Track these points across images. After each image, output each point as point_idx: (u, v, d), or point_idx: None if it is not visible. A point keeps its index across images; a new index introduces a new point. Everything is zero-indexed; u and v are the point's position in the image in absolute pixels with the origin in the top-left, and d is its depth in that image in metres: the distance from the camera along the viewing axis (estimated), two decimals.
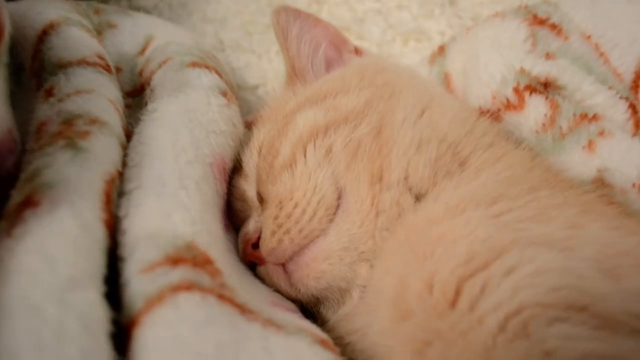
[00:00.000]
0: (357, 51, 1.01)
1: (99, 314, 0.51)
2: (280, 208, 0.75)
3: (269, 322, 0.61)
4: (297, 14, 0.98)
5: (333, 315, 0.78)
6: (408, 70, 1.07)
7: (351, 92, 0.84)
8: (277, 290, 0.78)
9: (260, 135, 0.88)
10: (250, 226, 0.81)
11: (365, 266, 0.75)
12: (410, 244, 0.68)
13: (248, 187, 0.86)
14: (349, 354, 0.70)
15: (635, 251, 0.64)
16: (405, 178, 0.77)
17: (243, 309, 0.60)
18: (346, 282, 0.75)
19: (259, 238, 0.77)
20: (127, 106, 0.89)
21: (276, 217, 0.75)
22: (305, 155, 0.78)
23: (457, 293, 0.60)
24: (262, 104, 1.08)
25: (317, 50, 0.96)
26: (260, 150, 0.84)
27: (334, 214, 0.75)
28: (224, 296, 0.59)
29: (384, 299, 0.67)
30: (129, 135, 0.78)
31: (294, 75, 0.96)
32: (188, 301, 0.55)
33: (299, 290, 0.76)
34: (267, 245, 0.75)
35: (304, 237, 0.74)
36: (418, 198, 0.77)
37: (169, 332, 0.53)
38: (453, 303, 0.59)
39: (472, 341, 0.56)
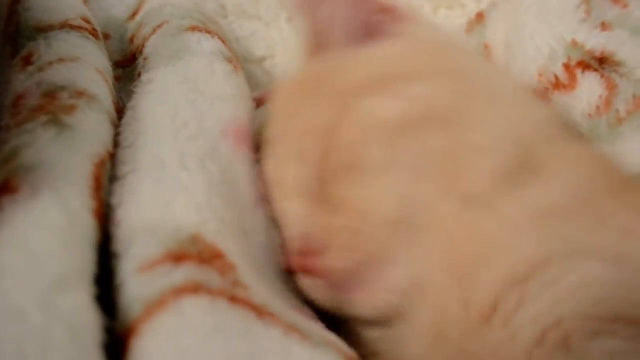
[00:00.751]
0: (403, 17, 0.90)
1: (90, 321, 0.49)
2: (362, 220, 0.71)
3: (293, 329, 0.59)
4: None
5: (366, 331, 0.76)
6: (470, 51, 1.04)
7: (426, 80, 0.77)
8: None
9: (321, 114, 0.79)
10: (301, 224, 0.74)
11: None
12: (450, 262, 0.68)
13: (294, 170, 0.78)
14: None
15: None
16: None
17: (261, 312, 0.58)
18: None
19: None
20: (117, 78, 0.88)
21: (355, 232, 0.71)
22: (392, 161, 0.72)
23: (493, 309, 0.61)
24: (270, 78, 1.06)
25: (355, 12, 0.87)
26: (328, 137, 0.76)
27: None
28: (237, 297, 0.57)
29: (418, 326, 0.68)
30: (119, 111, 0.76)
31: (317, 43, 0.88)
32: (194, 307, 0.53)
33: (344, 307, 0.73)
34: (334, 263, 0.71)
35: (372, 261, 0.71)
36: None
37: (172, 343, 0.51)
38: (487, 320, 0.61)
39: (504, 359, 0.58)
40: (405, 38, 0.87)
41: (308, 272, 0.73)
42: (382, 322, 0.74)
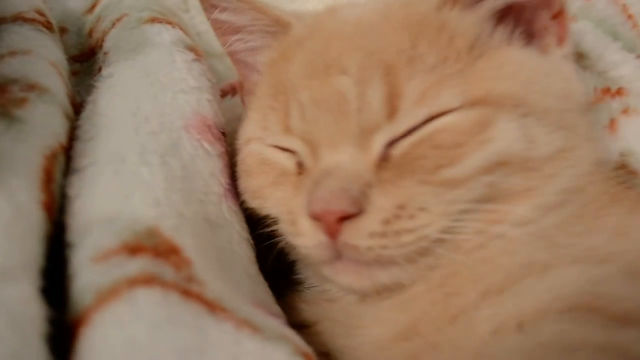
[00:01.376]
0: (561, 23, 0.82)
1: (33, 312, 0.49)
2: (397, 216, 0.69)
3: (245, 323, 0.59)
4: None
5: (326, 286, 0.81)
6: None
7: (547, 129, 0.73)
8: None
9: (439, 78, 0.73)
10: (355, 186, 0.70)
11: None
12: (444, 285, 0.71)
13: (377, 106, 0.73)
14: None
15: None
16: None
17: (213, 307, 0.59)
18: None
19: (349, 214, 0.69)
20: (74, 73, 0.88)
21: (387, 221, 0.69)
22: (472, 187, 0.70)
23: (463, 312, 0.67)
24: (232, 72, 1.05)
25: None
26: (437, 116, 0.72)
27: (423, 254, 0.72)
28: (190, 292, 0.58)
29: (393, 322, 0.73)
30: (76, 105, 0.77)
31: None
32: (147, 298, 0.54)
33: (340, 275, 0.74)
34: (356, 240, 0.70)
35: (388, 260, 0.71)
36: None
37: (122, 332, 0.51)
38: (455, 319, 0.67)
39: (464, 346, 0.64)
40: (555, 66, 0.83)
41: (327, 233, 0.71)
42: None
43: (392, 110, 0.71)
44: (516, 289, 0.65)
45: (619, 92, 0.90)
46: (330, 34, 0.80)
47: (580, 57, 0.93)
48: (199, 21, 1.14)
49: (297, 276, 0.88)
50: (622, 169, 0.86)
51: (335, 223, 0.68)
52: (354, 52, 0.74)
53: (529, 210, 0.71)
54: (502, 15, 0.77)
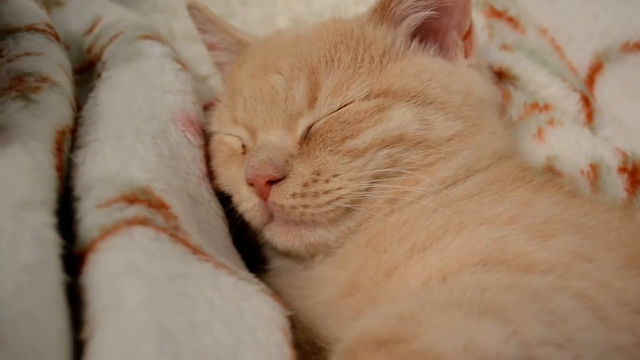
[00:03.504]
0: (468, 40, 1.00)
1: (50, 235, 0.60)
2: (315, 180, 0.85)
3: (222, 266, 0.71)
4: None
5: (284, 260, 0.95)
6: None
7: (445, 116, 0.91)
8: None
9: (349, 76, 0.91)
10: (280, 157, 0.86)
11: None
12: (371, 243, 0.85)
13: (300, 98, 0.90)
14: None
15: (571, 219, 0.81)
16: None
17: (196, 250, 0.71)
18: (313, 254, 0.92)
19: (275, 179, 0.85)
20: (76, 82, 0.99)
21: (306, 184, 0.85)
22: (373, 158, 0.87)
23: (396, 269, 0.79)
24: (212, 94, 1.21)
25: (414, 6, 0.95)
26: (346, 105, 0.89)
27: (342, 217, 0.88)
28: (177, 237, 0.70)
29: (336, 280, 0.85)
30: (79, 107, 0.88)
31: (383, 11, 0.95)
32: (142, 234, 0.66)
33: (275, 236, 0.91)
34: (281, 200, 0.86)
35: (311, 220, 0.87)
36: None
37: (122, 256, 0.63)
38: (390, 276, 0.79)
39: (398, 297, 0.73)
40: (457, 71, 1.00)
41: (258, 194, 0.88)
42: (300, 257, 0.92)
43: (312, 100, 0.89)
44: (438, 246, 0.78)
45: (546, 107, 1.06)
46: (272, 46, 0.99)
47: (514, 79, 1.10)
48: (184, 49, 1.27)
49: (265, 265, 1.01)
50: (549, 170, 1.02)
51: (264, 186, 0.85)
52: (287, 57, 0.93)
53: (433, 181, 0.86)
54: (423, 34, 0.95)
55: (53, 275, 0.58)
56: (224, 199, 0.96)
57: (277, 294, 0.77)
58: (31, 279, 0.56)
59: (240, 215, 0.93)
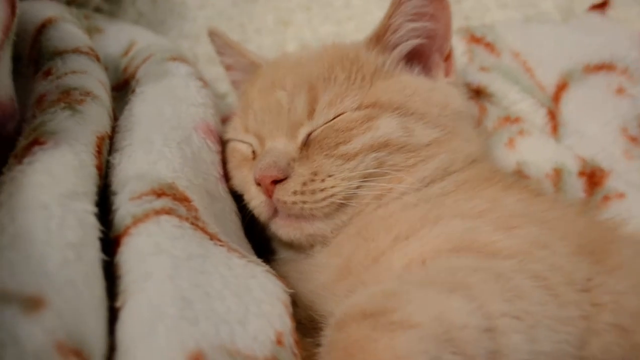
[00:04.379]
0: (448, 62, 1.05)
1: (92, 219, 0.65)
2: (312, 180, 0.90)
3: (235, 250, 0.76)
4: None
5: (289, 251, 0.99)
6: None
7: (425, 125, 0.95)
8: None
9: (343, 91, 0.95)
10: (283, 161, 0.91)
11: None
12: (361, 233, 0.89)
13: (301, 110, 0.95)
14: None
15: (532, 213, 0.85)
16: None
17: (212, 237, 0.75)
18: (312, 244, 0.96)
19: (279, 179, 0.90)
20: (113, 98, 1.01)
21: (304, 184, 0.90)
22: (362, 160, 0.91)
23: (382, 254, 0.83)
24: (229, 109, 1.25)
25: (407, 35, 1.00)
26: (340, 115, 0.94)
27: (336, 211, 0.93)
28: (197, 225, 0.75)
29: (332, 266, 0.89)
30: (116, 118, 0.92)
31: (379, 38, 1.00)
32: (167, 222, 0.71)
33: (280, 228, 0.95)
34: (284, 197, 0.90)
35: (309, 214, 0.92)
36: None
37: (150, 239, 0.68)
38: (377, 261, 0.82)
39: (384, 279, 0.77)
40: (437, 87, 1.05)
41: (264, 191, 0.93)
42: (301, 247, 0.96)
43: (311, 112, 0.94)
44: (418, 236, 0.82)
45: (517, 120, 1.10)
46: (279, 66, 1.05)
47: (490, 96, 1.14)
48: (206, 71, 1.31)
49: (273, 256, 1.05)
50: (518, 174, 1.06)
51: (270, 185, 0.90)
52: (291, 75, 0.98)
53: (414, 180, 0.91)
54: (410, 56, 1.00)
55: (93, 253, 0.63)
56: (237, 198, 1.01)
57: (283, 278, 0.80)
58: (75, 255, 0.60)
59: (251, 211, 0.98)
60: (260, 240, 1.03)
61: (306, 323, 0.83)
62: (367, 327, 0.61)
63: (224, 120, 1.14)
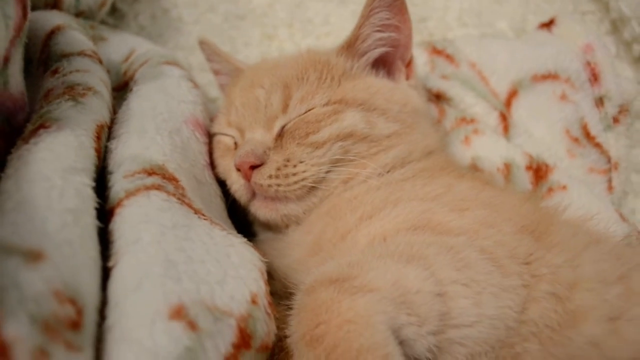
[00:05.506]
0: (409, 67, 1.08)
1: (88, 191, 0.67)
2: (285, 165, 0.93)
3: (217, 224, 0.78)
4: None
5: (268, 232, 1.01)
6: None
7: (386, 119, 0.99)
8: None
9: (313, 90, 0.99)
10: (259, 149, 0.94)
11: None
12: (330, 213, 0.92)
13: (276, 105, 0.98)
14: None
15: (482, 199, 0.88)
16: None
17: (197, 211, 0.77)
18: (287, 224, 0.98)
19: (256, 165, 0.93)
20: (114, 97, 1.03)
21: (278, 168, 0.92)
22: (330, 148, 0.94)
23: (348, 233, 0.85)
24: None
25: (374, 44, 1.04)
26: (310, 110, 0.97)
27: (308, 194, 0.95)
28: (183, 200, 0.77)
29: (305, 243, 0.91)
30: (115, 112, 0.94)
31: (350, 47, 1.04)
32: (156, 196, 0.73)
33: (257, 209, 0.98)
34: (260, 180, 0.93)
35: (284, 196, 0.95)
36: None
37: (140, 209, 0.70)
38: (344, 239, 0.84)
39: (350, 253, 0.80)
40: (398, 88, 1.08)
41: (243, 175, 0.95)
42: (277, 227, 0.98)
43: (285, 107, 0.97)
44: (380, 215, 0.84)
45: (472, 120, 1.14)
46: (259, 68, 1.09)
47: (449, 100, 1.18)
48: (200, 77, 1.34)
49: (254, 237, 1.07)
50: (473, 168, 1.10)
51: (248, 170, 0.93)
52: (268, 76, 1.01)
53: (376, 166, 0.93)
54: (376, 62, 1.04)
55: (88, 219, 0.65)
56: (223, 185, 1.04)
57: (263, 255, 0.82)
58: (73, 219, 0.62)
59: (233, 195, 1.00)
60: (243, 225, 1.05)
61: (282, 293, 0.84)
62: (332, 291, 0.64)
63: (213, 119, 1.17)
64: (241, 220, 1.03)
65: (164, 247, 0.66)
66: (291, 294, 0.74)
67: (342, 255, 0.77)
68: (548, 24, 1.28)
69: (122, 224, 0.68)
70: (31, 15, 1.02)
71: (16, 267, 0.53)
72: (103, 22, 1.32)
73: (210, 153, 1.04)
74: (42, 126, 0.74)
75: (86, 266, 0.60)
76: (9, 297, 0.51)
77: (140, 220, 0.68)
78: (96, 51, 1.03)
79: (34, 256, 0.55)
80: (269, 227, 1.00)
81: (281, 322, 0.72)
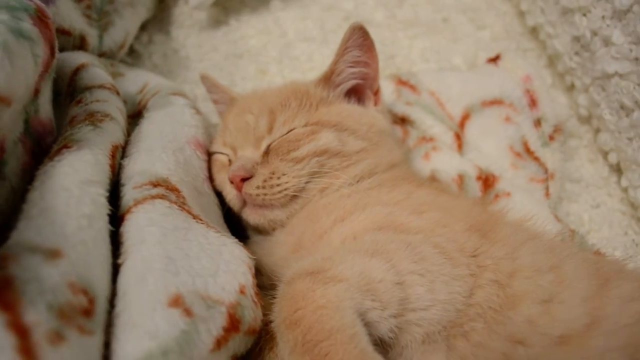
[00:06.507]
0: (377, 96, 1.09)
1: (102, 200, 0.68)
2: (270, 177, 0.93)
3: (213, 228, 0.79)
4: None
5: (258, 235, 1.01)
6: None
7: (356, 138, 0.99)
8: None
9: (294, 114, 0.99)
10: (249, 164, 0.94)
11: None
12: (309, 217, 0.92)
13: (263, 127, 0.98)
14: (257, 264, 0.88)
15: (438, 203, 0.88)
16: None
17: (195, 217, 0.78)
18: (274, 228, 0.98)
19: (246, 178, 0.94)
20: (129, 124, 1.04)
21: (265, 180, 0.93)
22: (308, 163, 0.95)
23: (325, 232, 0.86)
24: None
25: (348, 77, 1.05)
26: (291, 130, 0.97)
27: (290, 202, 0.96)
28: (183, 207, 0.77)
29: (288, 242, 0.91)
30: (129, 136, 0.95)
31: (327, 79, 1.05)
32: (160, 204, 0.74)
33: (248, 215, 0.97)
34: (249, 190, 0.93)
35: (270, 204, 0.95)
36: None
37: (146, 215, 0.70)
38: (321, 238, 0.85)
39: (325, 250, 0.80)
40: (366, 113, 1.08)
41: (235, 187, 0.95)
42: (265, 230, 0.98)
43: (270, 129, 0.98)
44: (350, 218, 0.85)
45: (431, 139, 1.15)
46: (249, 97, 1.09)
47: (412, 123, 1.18)
48: (203, 106, 1.33)
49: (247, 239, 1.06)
50: (432, 179, 1.11)
51: (239, 182, 0.93)
52: (257, 103, 1.02)
53: (347, 177, 0.93)
54: (348, 91, 1.05)
55: (101, 223, 0.65)
56: (219, 195, 1.04)
57: (253, 253, 0.83)
58: (87, 223, 0.62)
59: (228, 204, 1.01)
60: (238, 230, 1.05)
61: (268, 286, 0.84)
62: (308, 281, 0.65)
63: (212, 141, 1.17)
64: (236, 225, 1.03)
65: (165, 246, 0.67)
66: (277, 286, 0.75)
67: (318, 252, 0.78)
68: (495, 59, 1.29)
69: (131, 227, 0.69)
70: (60, 55, 1.04)
71: (38, 264, 0.54)
72: (122, 61, 1.32)
73: (209, 169, 1.04)
74: (65, 146, 0.75)
75: (98, 263, 0.61)
76: (30, 288, 0.51)
77: (146, 224, 0.69)
78: (114, 84, 1.03)
79: (52, 254, 0.56)
80: (259, 230, 1.00)
81: (267, 309, 0.72)
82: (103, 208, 0.68)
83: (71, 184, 0.66)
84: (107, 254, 0.63)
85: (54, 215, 0.61)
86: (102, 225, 0.65)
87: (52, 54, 0.84)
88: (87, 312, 0.55)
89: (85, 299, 0.56)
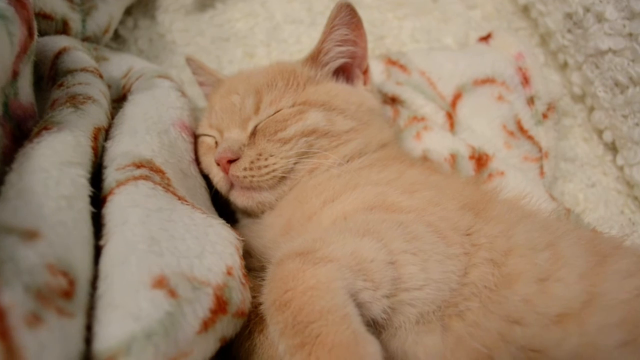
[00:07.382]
0: (366, 75, 1.07)
1: (83, 181, 0.66)
2: (258, 159, 0.92)
3: (198, 209, 0.77)
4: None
5: (247, 218, 1.00)
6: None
7: (344, 117, 0.98)
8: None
9: (281, 94, 0.97)
10: (235, 146, 0.92)
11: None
12: (298, 198, 0.90)
13: (249, 108, 0.96)
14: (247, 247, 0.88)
15: (430, 182, 0.87)
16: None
17: (180, 198, 0.76)
18: (262, 210, 0.97)
19: (233, 159, 0.92)
20: (113, 108, 1.02)
21: (252, 162, 0.91)
22: (296, 143, 0.93)
23: (314, 214, 0.84)
24: None
25: (335, 56, 1.03)
26: (278, 111, 0.95)
27: (278, 183, 0.94)
28: (168, 189, 0.76)
29: (277, 224, 0.90)
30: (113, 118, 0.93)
31: (314, 59, 1.03)
32: (144, 185, 0.72)
33: (236, 198, 0.96)
34: (236, 172, 0.92)
35: (257, 186, 0.93)
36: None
37: (129, 196, 0.69)
38: (311, 219, 0.84)
39: (316, 231, 0.79)
40: (355, 92, 1.07)
41: (222, 169, 0.94)
42: (254, 213, 0.96)
43: (257, 109, 0.96)
44: (341, 199, 0.84)
45: (422, 119, 1.14)
46: (235, 78, 1.08)
47: (402, 102, 1.17)
48: (190, 91, 1.31)
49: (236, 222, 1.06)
50: (424, 159, 1.09)
51: (226, 164, 0.92)
52: (243, 84, 1.00)
53: (337, 157, 0.92)
54: (337, 70, 1.04)
55: (82, 204, 0.63)
56: (206, 178, 1.02)
57: (242, 236, 0.81)
58: (67, 204, 0.61)
59: (215, 187, 0.99)
60: (226, 214, 1.03)
61: (258, 269, 0.83)
62: (298, 262, 0.64)
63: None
64: (225, 209, 1.02)
65: (149, 227, 0.65)
66: (266, 268, 0.73)
67: (308, 233, 0.77)
68: (486, 38, 1.28)
69: (113, 209, 0.67)
70: (42, 39, 1.03)
71: (13, 244, 0.52)
72: (107, 46, 1.30)
73: (196, 151, 1.02)
74: (45, 128, 0.73)
75: (79, 244, 0.59)
76: (6, 269, 0.50)
77: (129, 204, 0.67)
78: (97, 68, 1.01)
79: (30, 235, 0.54)
80: (248, 213, 0.99)
81: (257, 292, 0.71)
82: (84, 189, 0.66)
83: (50, 165, 0.65)
84: (88, 236, 0.62)
85: (32, 196, 0.59)
86: (83, 207, 0.63)
87: (31, 35, 0.81)
88: (67, 294, 0.54)
89: (65, 280, 0.54)
